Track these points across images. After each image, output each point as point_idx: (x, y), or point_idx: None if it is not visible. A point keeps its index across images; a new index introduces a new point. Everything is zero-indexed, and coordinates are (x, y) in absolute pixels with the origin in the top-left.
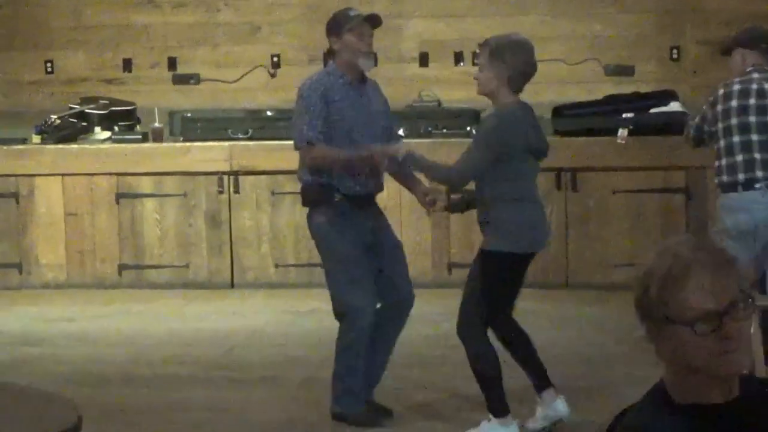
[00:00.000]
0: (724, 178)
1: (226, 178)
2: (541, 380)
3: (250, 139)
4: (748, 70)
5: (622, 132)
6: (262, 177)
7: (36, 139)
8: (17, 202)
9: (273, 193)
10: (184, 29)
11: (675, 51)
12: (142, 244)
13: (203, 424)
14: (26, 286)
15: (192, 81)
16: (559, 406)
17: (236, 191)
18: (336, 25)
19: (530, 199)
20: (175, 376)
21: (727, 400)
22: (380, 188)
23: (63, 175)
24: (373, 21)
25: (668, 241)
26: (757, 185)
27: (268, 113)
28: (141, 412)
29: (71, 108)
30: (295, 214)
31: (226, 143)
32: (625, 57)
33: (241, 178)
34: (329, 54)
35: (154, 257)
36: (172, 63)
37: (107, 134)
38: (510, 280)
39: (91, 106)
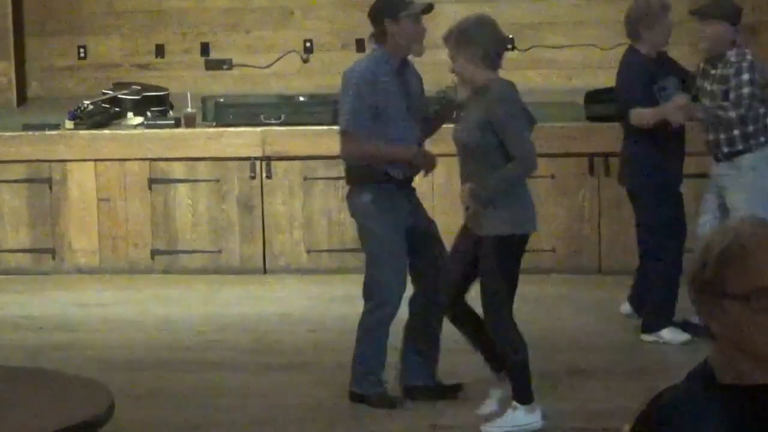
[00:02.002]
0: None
1: (258, 163)
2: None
3: (283, 124)
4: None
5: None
6: (295, 162)
7: (69, 124)
8: (50, 188)
9: (305, 179)
10: (216, 14)
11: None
12: (175, 230)
13: (235, 409)
14: (59, 272)
15: (225, 66)
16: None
17: (268, 176)
18: (392, 8)
19: None
20: (207, 361)
21: None
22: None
23: (96, 160)
24: (430, 11)
25: (731, 221)
26: None
27: (301, 98)
28: (173, 396)
29: (104, 93)
30: (327, 200)
31: (259, 129)
32: None
33: (273, 163)
34: (379, 36)
35: (186, 243)
36: (204, 48)
37: (140, 120)
38: (520, 261)
39: (124, 91)
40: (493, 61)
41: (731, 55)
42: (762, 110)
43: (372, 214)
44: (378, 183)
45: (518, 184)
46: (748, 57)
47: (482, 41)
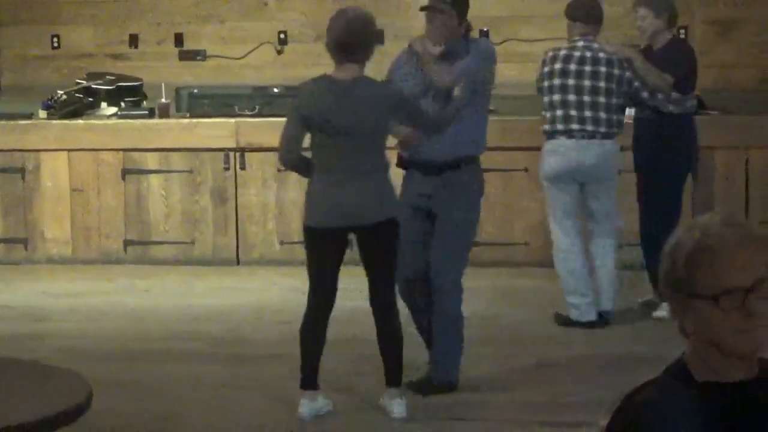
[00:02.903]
0: (547, 127)
1: (232, 154)
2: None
3: (257, 115)
4: (576, 39)
5: (629, 112)
6: (269, 154)
7: (42, 114)
8: (23, 178)
9: (279, 170)
10: (190, 5)
11: (683, 31)
12: (148, 220)
13: (209, 400)
14: (32, 262)
15: (199, 57)
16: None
17: (242, 168)
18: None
19: (323, 170)
20: (181, 353)
21: (745, 379)
22: (447, 156)
23: (69, 150)
24: (436, 8)
25: (697, 219)
26: (571, 135)
27: (275, 90)
28: (146, 387)
29: (78, 83)
30: (301, 192)
31: (233, 120)
32: (632, 37)
33: (247, 154)
34: None
35: (159, 233)
36: (178, 39)
37: (113, 110)
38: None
39: (98, 81)
40: (334, 55)
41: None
42: None
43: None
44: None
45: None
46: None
47: (328, 37)
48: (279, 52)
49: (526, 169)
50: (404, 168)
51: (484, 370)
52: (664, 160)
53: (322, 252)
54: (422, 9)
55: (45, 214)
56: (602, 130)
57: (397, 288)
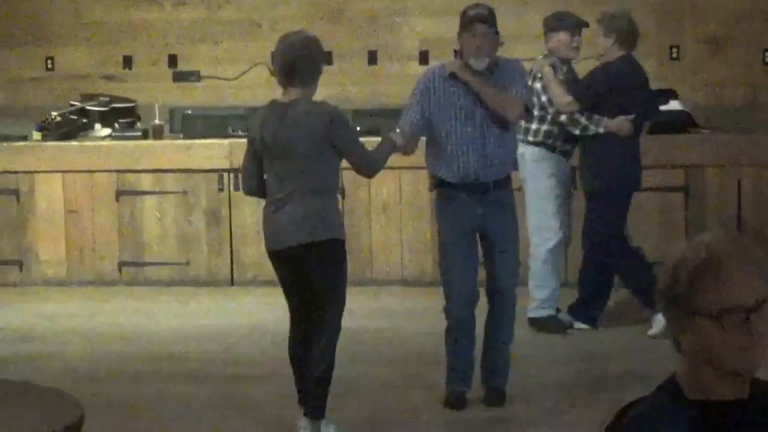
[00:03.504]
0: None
1: (226, 175)
2: None
3: None
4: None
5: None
6: None
7: (36, 135)
8: (18, 199)
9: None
10: (184, 26)
11: (674, 50)
12: (142, 242)
13: (204, 420)
14: (27, 283)
15: (192, 78)
16: None
17: (236, 188)
18: (459, 26)
19: (270, 194)
20: (176, 373)
21: (737, 399)
22: (494, 176)
23: (63, 172)
24: (479, 19)
25: (700, 235)
26: None
27: None
28: (142, 408)
29: (72, 105)
30: None
31: (226, 141)
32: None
33: (241, 175)
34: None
35: (154, 254)
36: (172, 60)
37: (107, 131)
38: None
39: (92, 102)
40: (280, 81)
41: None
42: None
43: (438, 218)
44: (438, 188)
45: None
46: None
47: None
48: (272, 73)
49: None
50: (441, 189)
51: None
52: (598, 180)
53: (279, 273)
54: (468, 22)
55: (39, 236)
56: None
57: (451, 307)
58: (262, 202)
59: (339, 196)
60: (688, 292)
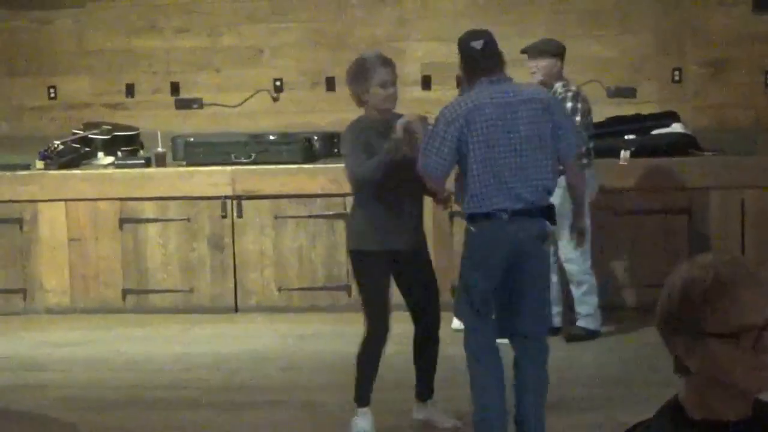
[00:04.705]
0: None
1: (229, 202)
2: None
3: (253, 163)
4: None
5: (625, 154)
6: (265, 201)
7: (39, 164)
8: (21, 228)
9: (276, 217)
10: (186, 54)
11: (677, 72)
12: (146, 269)
13: None
14: (30, 312)
15: (194, 105)
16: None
17: (239, 215)
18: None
19: None
20: (179, 400)
21: (740, 419)
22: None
23: (66, 200)
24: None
25: (703, 258)
26: None
27: (271, 137)
28: None
29: (74, 133)
30: (298, 238)
31: (229, 167)
32: (626, 79)
33: (244, 202)
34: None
35: (157, 282)
36: (174, 88)
37: (110, 159)
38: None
39: (94, 131)
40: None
41: (558, 86)
42: (585, 135)
43: None
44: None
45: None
46: (573, 88)
47: None
48: (275, 100)
49: None
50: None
51: None
52: None
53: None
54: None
55: (43, 264)
56: None
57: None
58: (265, 229)
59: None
60: (701, 314)
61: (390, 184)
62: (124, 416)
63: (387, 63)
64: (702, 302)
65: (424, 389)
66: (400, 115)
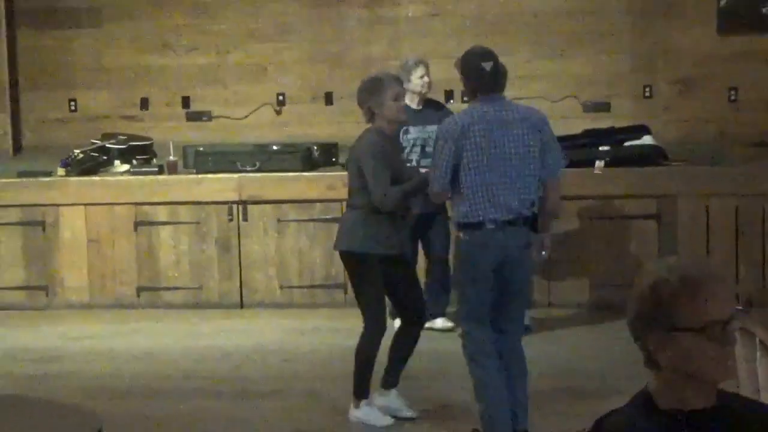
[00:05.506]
0: None
1: (235, 207)
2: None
3: (258, 171)
4: None
5: (599, 163)
6: (269, 206)
7: (61, 171)
8: (44, 230)
9: (278, 221)
10: (196, 70)
11: (648, 89)
12: (159, 268)
13: None
14: (52, 307)
15: (204, 118)
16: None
17: (245, 219)
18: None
19: None
20: (189, 389)
21: (705, 407)
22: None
23: (86, 204)
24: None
25: (670, 260)
26: None
27: (274, 147)
28: (157, 422)
29: (93, 143)
30: (299, 240)
31: (236, 175)
32: (601, 95)
33: (249, 207)
34: None
35: (169, 280)
36: (185, 101)
37: (126, 167)
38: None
39: (112, 141)
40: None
41: None
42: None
43: None
44: None
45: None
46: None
47: None
48: (278, 113)
49: None
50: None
51: None
52: None
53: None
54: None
55: (64, 264)
56: None
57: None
58: (268, 232)
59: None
60: (671, 311)
61: None
62: (138, 403)
63: (398, 80)
64: (672, 300)
65: (391, 379)
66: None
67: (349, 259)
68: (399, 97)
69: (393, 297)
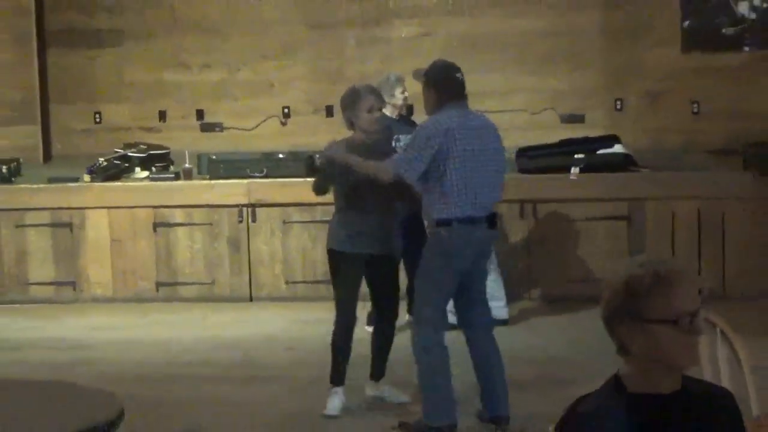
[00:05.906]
0: None
1: (245, 209)
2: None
3: (266, 177)
4: None
5: (574, 170)
6: (275, 209)
7: (86, 178)
8: (71, 231)
9: (284, 222)
10: (209, 86)
11: (619, 102)
12: (175, 265)
13: (226, 415)
14: (79, 301)
15: (217, 129)
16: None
17: (253, 221)
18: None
19: None
20: (202, 375)
21: (672, 392)
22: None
23: (109, 208)
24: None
25: (640, 259)
26: None
27: (280, 155)
28: (174, 405)
29: (116, 152)
30: (303, 240)
31: (245, 181)
32: (577, 107)
33: (257, 209)
34: None
35: (185, 276)
36: (200, 114)
37: (146, 173)
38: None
39: (133, 150)
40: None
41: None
42: None
43: None
44: None
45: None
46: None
47: None
48: (283, 124)
49: None
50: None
51: None
52: None
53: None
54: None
55: (89, 261)
56: None
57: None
58: (275, 232)
59: (341, 214)
60: (643, 305)
61: (360, 197)
62: (157, 388)
63: (375, 92)
64: (645, 295)
65: (377, 371)
66: (382, 138)
67: (330, 256)
68: (372, 108)
69: (371, 294)
